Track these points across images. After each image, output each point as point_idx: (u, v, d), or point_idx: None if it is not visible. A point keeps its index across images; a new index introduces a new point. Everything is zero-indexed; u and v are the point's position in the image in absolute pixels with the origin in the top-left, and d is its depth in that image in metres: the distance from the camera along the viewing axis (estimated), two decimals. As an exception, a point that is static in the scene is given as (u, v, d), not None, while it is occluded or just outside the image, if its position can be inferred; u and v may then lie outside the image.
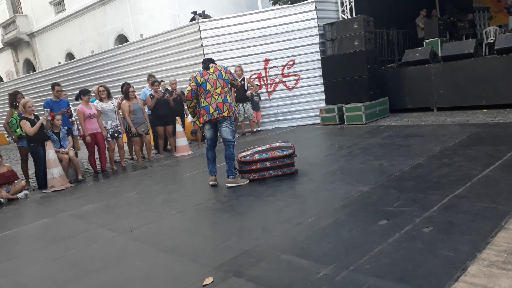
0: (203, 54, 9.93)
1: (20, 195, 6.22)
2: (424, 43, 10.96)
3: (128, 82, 8.65)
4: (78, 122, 7.49)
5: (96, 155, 7.36)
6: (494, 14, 14.04)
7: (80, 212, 4.96)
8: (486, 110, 8.04)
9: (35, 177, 6.93)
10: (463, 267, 2.43)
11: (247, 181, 5.17)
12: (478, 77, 8.18)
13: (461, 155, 4.98)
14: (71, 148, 6.99)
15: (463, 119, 7.50)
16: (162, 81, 8.82)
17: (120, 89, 8.34)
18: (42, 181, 6.59)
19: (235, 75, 9.18)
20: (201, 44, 9.91)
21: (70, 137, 7.12)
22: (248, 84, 9.35)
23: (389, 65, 11.14)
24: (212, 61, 5.18)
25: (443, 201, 3.54)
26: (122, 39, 17.47)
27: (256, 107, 9.55)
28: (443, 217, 3.21)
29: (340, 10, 10.15)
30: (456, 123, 7.26)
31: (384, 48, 11.48)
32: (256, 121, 9.78)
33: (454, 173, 4.31)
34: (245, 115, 9.45)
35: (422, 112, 9.02)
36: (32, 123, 6.38)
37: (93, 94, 7.86)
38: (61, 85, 7.94)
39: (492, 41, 10.24)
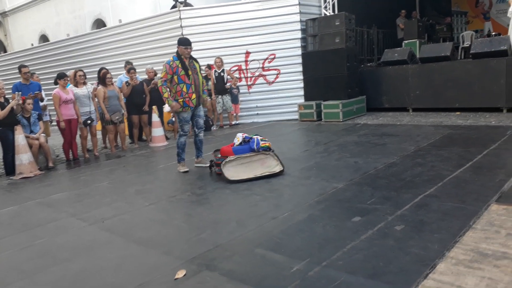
0: (183, 43, 9.76)
1: (-13, 180, 6.00)
2: (403, 43, 11.14)
3: (105, 67, 8.42)
4: (51, 107, 7.26)
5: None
6: (471, 19, 14.39)
7: (49, 201, 4.81)
8: (459, 113, 8.27)
9: (2, 163, 6.69)
10: (432, 265, 2.49)
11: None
12: (453, 80, 8.38)
13: (434, 155, 5.10)
14: (42, 134, 6.77)
15: (437, 121, 7.68)
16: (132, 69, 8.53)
17: (97, 75, 8.12)
18: (10, 167, 6.36)
19: (215, 66, 9.13)
20: (182, 33, 9.73)
21: (41, 122, 6.90)
22: (228, 76, 9.28)
23: (368, 64, 11.29)
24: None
25: (415, 200, 3.61)
26: (99, 24, 16.99)
27: (235, 100, 9.49)
28: (415, 215, 3.28)
29: (323, 6, 10.18)
30: (430, 124, 7.43)
31: (364, 46, 11.63)
32: (235, 114, 9.73)
33: (426, 172, 4.41)
34: (224, 108, 9.39)
35: (398, 112, 9.19)
36: (2, 106, 6.14)
37: (69, 78, 7.62)
38: (34, 68, 7.67)
39: (468, 45, 10.51)
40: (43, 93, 7.51)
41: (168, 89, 5.28)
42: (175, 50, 9.99)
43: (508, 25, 8.90)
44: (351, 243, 2.90)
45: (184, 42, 5.24)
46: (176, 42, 9.90)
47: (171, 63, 5.22)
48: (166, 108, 8.65)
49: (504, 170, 4.22)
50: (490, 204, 3.33)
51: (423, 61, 8.99)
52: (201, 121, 5.62)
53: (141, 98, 7.94)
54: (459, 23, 14.62)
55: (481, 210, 3.23)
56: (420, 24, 11.33)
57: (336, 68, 9.08)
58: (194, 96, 5.28)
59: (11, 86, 7.06)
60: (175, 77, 5.23)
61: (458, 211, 3.27)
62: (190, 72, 5.25)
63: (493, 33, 12.14)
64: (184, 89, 5.23)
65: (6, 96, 6.50)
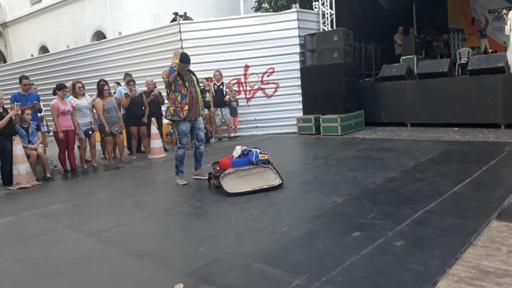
0: (183, 56, 9.82)
1: (-18, 190, 5.94)
2: (401, 59, 11.24)
3: (104, 79, 8.45)
4: (49, 118, 7.24)
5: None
6: (468, 36, 14.54)
7: (46, 212, 4.77)
8: (457, 128, 8.30)
9: (0, 173, 6.63)
10: (433, 282, 2.46)
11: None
12: (450, 96, 8.44)
13: (433, 171, 5.10)
14: (40, 145, 6.74)
15: (435, 136, 7.71)
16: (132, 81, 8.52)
17: (96, 86, 8.13)
18: (8, 177, 6.31)
19: (214, 79, 9.17)
20: (181, 46, 9.80)
21: (39, 133, 6.87)
22: (227, 89, 9.32)
23: (366, 79, 11.37)
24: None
25: (415, 216, 3.60)
26: (100, 36, 17.10)
27: (233, 113, 9.51)
28: (415, 231, 3.26)
29: (321, 22, 10.29)
30: (428, 139, 7.45)
31: (362, 61, 11.73)
32: (233, 127, 9.74)
33: (426, 188, 4.40)
34: (223, 120, 9.40)
35: (396, 127, 9.22)
36: (0, 117, 6.12)
37: (68, 90, 7.62)
38: (33, 79, 7.68)
39: (465, 61, 10.61)
40: (41, 103, 7.51)
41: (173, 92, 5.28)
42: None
43: (505, 42, 9.00)
44: (351, 259, 2.87)
45: (185, 60, 5.25)
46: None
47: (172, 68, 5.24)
48: (165, 120, 8.66)
49: (504, 187, 4.22)
50: (491, 221, 3.32)
51: (421, 77, 9.07)
52: (202, 134, 5.63)
53: (140, 110, 7.95)
54: (456, 40, 14.78)
55: (482, 227, 3.21)
56: (418, 40, 11.44)
57: (334, 82, 9.13)
58: (186, 107, 5.24)
59: (10, 97, 7.05)
60: (173, 84, 5.24)
61: (458, 228, 3.25)
62: (187, 84, 5.27)
63: (490, 50, 12.28)
64: (179, 98, 5.24)
65: (5, 106, 6.48)
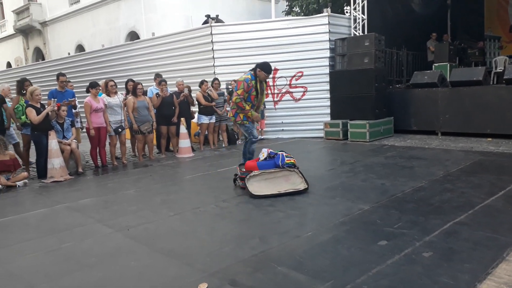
0: (213, 58, 9.96)
1: (19, 183, 6.19)
2: (433, 66, 10.98)
3: (133, 78, 8.66)
4: (82, 115, 7.49)
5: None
6: (505, 44, 14.07)
7: (77, 205, 4.93)
8: (490, 139, 8.03)
9: (35, 166, 6.91)
10: (462, 296, 2.40)
11: None
12: (484, 105, 8.18)
13: (464, 181, 4.96)
14: (74, 140, 6.97)
15: (467, 146, 7.49)
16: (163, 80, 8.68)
17: (124, 85, 8.36)
18: (42, 171, 6.55)
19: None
20: (212, 48, 9.94)
21: (73, 129, 7.11)
22: (255, 92, 9.35)
23: (397, 85, 11.16)
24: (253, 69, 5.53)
25: (444, 227, 3.51)
26: (133, 36, 17.54)
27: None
28: (444, 242, 3.19)
29: (353, 27, 10.19)
30: (460, 149, 7.24)
31: (393, 67, 11.52)
32: (260, 129, 9.77)
33: (456, 199, 4.29)
34: (250, 122, 9.44)
35: (426, 135, 9.01)
36: (38, 112, 6.37)
37: (100, 88, 7.86)
38: (68, 76, 7.96)
39: (501, 70, 10.24)
40: (76, 100, 7.77)
41: (246, 103, 5.50)
42: (205, 64, 10.22)
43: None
44: (376, 267, 2.83)
45: (267, 70, 5.42)
46: (206, 56, 10.17)
47: (249, 81, 5.41)
48: (195, 120, 8.79)
49: (539, 201, 4.06)
50: (525, 236, 3.20)
51: (454, 85, 8.83)
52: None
53: (170, 110, 8.10)
54: (492, 47, 14.32)
55: (515, 242, 3.10)
56: (452, 48, 11.15)
57: (364, 88, 9.02)
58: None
59: (47, 93, 7.33)
60: (246, 94, 5.47)
61: (490, 241, 3.15)
62: (259, 95, 5.55)
63: (528, 59, 11.83)
64: (248, 107, 5.48)
65: (42, 102, 6.75)
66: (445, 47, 11.06)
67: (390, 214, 3.94)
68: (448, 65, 10.61)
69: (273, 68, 9.61)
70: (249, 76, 5.41)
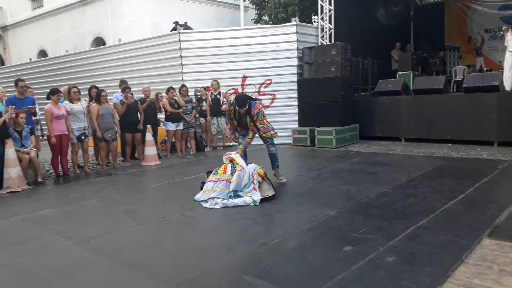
0: (181, 64, 9.87)
1: (-28, 193, 5.86)
2: (397, 75, 11.33)
3: (96, 85, 8.43)
4: (43, 122, 7.21)
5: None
6: (464, 54, 14.72)
7: (35, 217, 4.70)
8: (451, 145, 8.34)
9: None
10: (423, 300, 2.44)
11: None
12: (445, 112, 8.49)
13: (426, 186, 5.10)
14: (33, 148, 6.68)
15: (429, 151, 7.73)
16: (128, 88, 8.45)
17: (88, 92, 8.12)
18: (-2, 181, 6.23)
19: (211, 88, 9.19)
20: (180, 55, 9.85)
21: (32, 137, 6.82)
22: (224, 99, 9.32)
23: (362, 93, 11.43)
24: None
25: (407, 231, 3.58)
26: (99, 42, 17.14)
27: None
28: (407, 247, 3.24)
29: (320, 36, 10.37)
30: (422, 154, 7.47)
31: (359, 76, 11.80)
32: (229, 136, 9.71)
33: (418, 203, 4.39)
34: (218, 129, 9.39)
35: (390, 141, 9.24)
36: (-6, 119, 6.07)
37: (62, 94, 7.60)
38: (30, 82, 7.65)
39: (461, 79, 10.71)
40: (37, 107, 7.47)
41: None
42: (173, 71, 10.13)
43: (500, 61, 9.07)
44: (342, 273, 2.84)
45: (238, 103, 5.35)
46: (174, 63, 10.08)
47: (229, 105, 5.60)
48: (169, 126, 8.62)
49: (496, 204, 4.22)
50: (483, 239, 3.31)
51: (417, 93, 9.13)
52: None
53: (135, 117, 7.93)
54: (452, 57, 14.95)
55: (474, 245, 3.20)
56: (414, 57, 11.57)
57: (330, 95, 9.17)
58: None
59: (5, 99, 7.01)
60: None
61: (450, 245, 3.24)
62: (235, 123, 5.64)
63: (485, 69, 12.42)
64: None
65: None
66: (408, 57, 11.46)
67: (355, 219, 3.99)
68: (411, 73, 10.98)
69: (241, 75, 9.83)
70: (232, 101, 5.50)
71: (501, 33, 8.88)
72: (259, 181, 5.01)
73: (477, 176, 5.48)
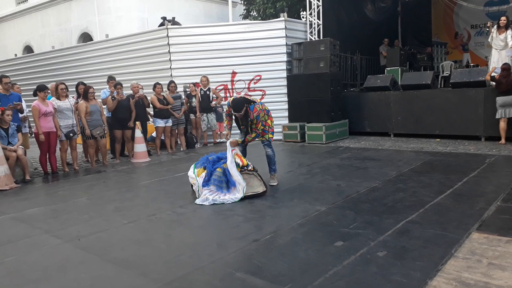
0: (170, 60, 9.79)
1: (-43, 193, 5.75)
2: (385, 70, 11.40)
3: (84, 82, 8.32)
4: (31, 119, 7.09)
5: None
6: (450, 49, 14.87)
7: (23, 216, 4.63)
8: (439, 140, 8.44)
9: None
10: (414, 293, 2.47)
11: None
12: (433, 108, 8.59)
13: (415, 181, 5.15)
14: (20, 146, 6.57)
15: (417, 146, 7.81)
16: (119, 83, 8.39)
17: (75, 89, 8.01)
18: (-16, 180, 6.12)
19: (201, 84, 9.13)
20: (168, 50, 9.77)
21: (20, 134, 6.71)
22: (213, 95, 9.28)
23: (351, 89, 11.48)
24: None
25: (397, 226, 3.61)
26: (86, 38, 16.89)
27: (219, 118, 9.47)
28: (397, 241, 3.28)
29: (308, 32, 10.37)
30: (411, 149, 7.55)
31: (348, 72, 11.84)
32: (219, 132, 9.69)
33: (408, 198, 4.44)
34: (208, 126, 9.35)
35: (379, 137, 9.32)
36: (-21, 117, 5.95)
37: (49, 91, 7.48)
38: (16, 79, 7.51)
39: (448, 74, 10.82)
40: (24, 104, 7.34)
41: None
42: (161, 66, 10.07)
43: (486, 57, 9.19)
44: (333, 269, 2.85)
45: (233, 107, 5.19)
46: (163, 59, 10.00)
47: (228, 107, 5.36)
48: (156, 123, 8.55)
49: (484, 198, 4.28)
50: (471, 232, 3.35)
51: (405, 88, 9.21)
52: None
53: (126, 113, 7.84)
54: (439, 53, 15.09)
55: (463, 238, 3.25)
56: (402, 53, 11.64)
57: (320, 91, 9.19)
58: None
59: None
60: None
61: (439, 239, 3.28)
62: (241, 123, 5.45)
63: (471, 64, 12.58)
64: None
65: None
66: (397, 52, 11.53)
67: (345, 214, 4.02)
68: (400, 69, 11.06)
69: (231, 71, 9.79)
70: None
71: (487, 29, 8.99)
72: (248, 174, 4.97)
73: (465, 170, 5.56)
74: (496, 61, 8.43)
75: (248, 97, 5.49)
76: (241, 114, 5.18)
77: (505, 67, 7.42)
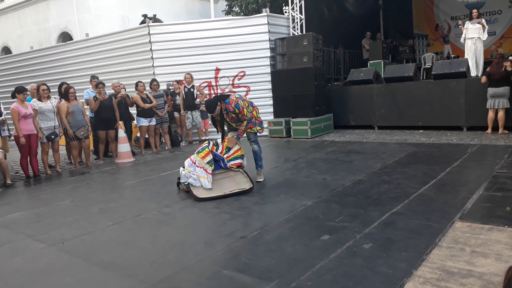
0: (152, 58, 9.69)
1: None
2: (368, 63, 11.49)
3: (67, 82, 8.17)
4: (10, 122, 6.93)
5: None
6: (432, 41, 15.07)
7: (5, 221, 4.53)
8: (422, 131, 8.55)
9: (-45, 180, 6.28)
10: (400, 284, 2.49)
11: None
12: (416, 99, 8.69)
13: (400, 173, 5.21)
14: (0, 150, 6.42)
15: (401, 138, 7.90)
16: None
17: (57, 89, 7.86)
18: (-37, 185, 5.98)
19: (184, 81, 9.05)
20: (150, 48, 9.66)
21: (-1, 138, 6.57)
22: (198, 92, 9.22)
23: (335, 83, 11.54)
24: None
25: (382, 218, 3.65)
26: (65, 37, 16.57)
27: (204, 116, 9.42)
28: (382, 233, 3.31)
29: (291, 26, 10.37)
30: (395, 141, 7.63)
31: (331, 66, 11.90)
32: (204, 130, 9.64)
33: (393, 190, 4.49)
34: (193, 123, 9.29)
35: (364, 130, 9.40)
36: (-45, 121, 5.79)
37: (29, 92, 7.32)
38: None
39: (429, 66, 10.97)
40: (2, 107, 7.18)
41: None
42: (143, 65, 9.94)
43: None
44: (320, 263, 2.87)
45: (208, 110, 5.13)
46: (144, 57, 9.87)
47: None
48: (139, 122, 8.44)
49: (466, 188, 4.36)
50: (454, 222, 3.41)
51: (388, 81, 9.29)
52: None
53: (109, 113, 7.73)
54: (420, 45, 15.28)
55: (446, 228, 3.30)
56: (385, 46, 11.75)
57: (304, 86, 9.21)
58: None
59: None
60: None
61: (424, 229, 3.32)
62: (218, 126, 5.34)
63: (452, 56, 12.77)
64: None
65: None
66: (379, 45, 11.63)
67: (331, 208, 4.04)
68: (382, 62, 11.17)
69: (214, 68, 9.73)
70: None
71: (459, 26, 9.20)
72: (234, 171, 4.98)
73: (448, 160, 5.64)
74: (473, 51, 8.61)
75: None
76: (216, 114, 5.06)
77: (498, 56, 7.73)
